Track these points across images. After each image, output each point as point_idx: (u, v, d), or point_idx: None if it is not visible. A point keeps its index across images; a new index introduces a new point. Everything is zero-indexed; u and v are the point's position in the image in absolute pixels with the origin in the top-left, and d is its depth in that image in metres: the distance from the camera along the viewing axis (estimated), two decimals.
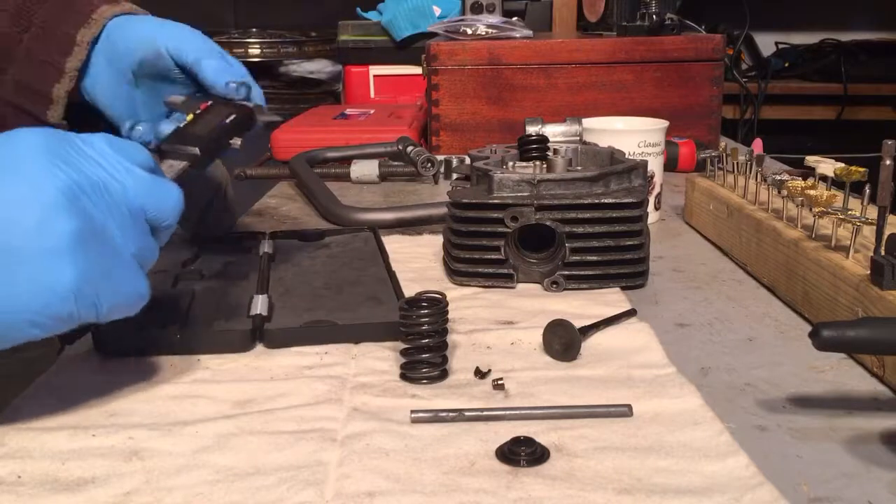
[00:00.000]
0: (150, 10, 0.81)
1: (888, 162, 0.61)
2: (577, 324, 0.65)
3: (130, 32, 0.78)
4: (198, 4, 2.82)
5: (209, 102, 0.75)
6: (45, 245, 0.48)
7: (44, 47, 0.78)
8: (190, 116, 0.73)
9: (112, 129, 0.80)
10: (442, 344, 0.61)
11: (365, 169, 1.26)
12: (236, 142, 0.73)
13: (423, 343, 0.60)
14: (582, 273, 0.78)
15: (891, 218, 0.67)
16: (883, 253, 0.61)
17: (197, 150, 0.68)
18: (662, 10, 1.41)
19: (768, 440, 0.53)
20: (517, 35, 1.44)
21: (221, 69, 0.76)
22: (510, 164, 0.84)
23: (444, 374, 0.61)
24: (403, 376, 0.61)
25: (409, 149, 1.20)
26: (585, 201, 0.77)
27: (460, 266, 0.80)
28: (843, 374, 0.62)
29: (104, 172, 0.52)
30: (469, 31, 1.45)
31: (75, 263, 0.49)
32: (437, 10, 1.87)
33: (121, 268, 0.52)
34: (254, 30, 2.55)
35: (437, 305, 0.61)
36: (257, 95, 0.79)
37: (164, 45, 0.76)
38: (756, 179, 0.87)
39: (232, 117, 0.73)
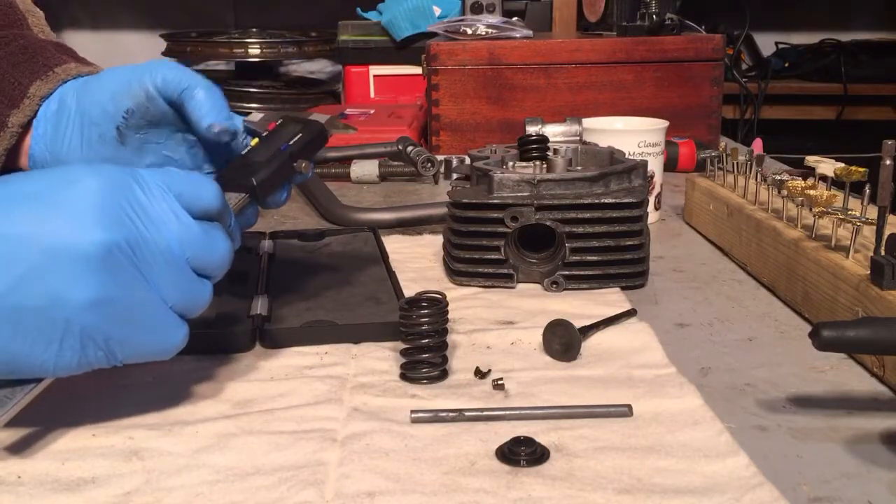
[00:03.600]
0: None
1: (888, 162, 0.61)
2: (577, 324, 0.65)
3: (106, 84, 0.67)
4: (198, 4, 2.82)
5: (278, 121, 0.67)
6: (58, 313, 0.47)
7: None
8: (255, 141, 0.65)
9: None
10: (442, 344, 0.61)
11: (365, 169, 1.26)
12: (301, 164, 0.64)
13: (423, 343, 0.60)
14: (582, 273, 0.78)
15: (891, 218, 0.67)
16: (883, 253, 0.61)
17: (253, 181, 0.61)
18: (662, 10, 1.41)
19: (768, 440, 0.53)
20: (517, 35, 1.44)
21: (208, 104, 0.64)
22: (510, 164, 0.84)
23: (444, 374, 0.61)
24: (403, 376, 0.61)
25: (409, 149, 1.20)
26: (585, 201, 0.77)
27: (460, 266, 0.80)
28: (843, 374, 0.62)
29: (152, 224, 0.51)
30: (469, 31, 1.45)
31: (88, 327, 0.48)
32: (437, 10, 1.87)
33: (149, 323, 0.51)
34: (254, 30, 2.55)
35: (437, 305, 0.61)
36: (240, 144, 0.68)
37: (151, 81, 0.65)
38: (756, 179, 0.87)
39: (296, 139, 0.65)
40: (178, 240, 0.52)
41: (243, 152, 0.65)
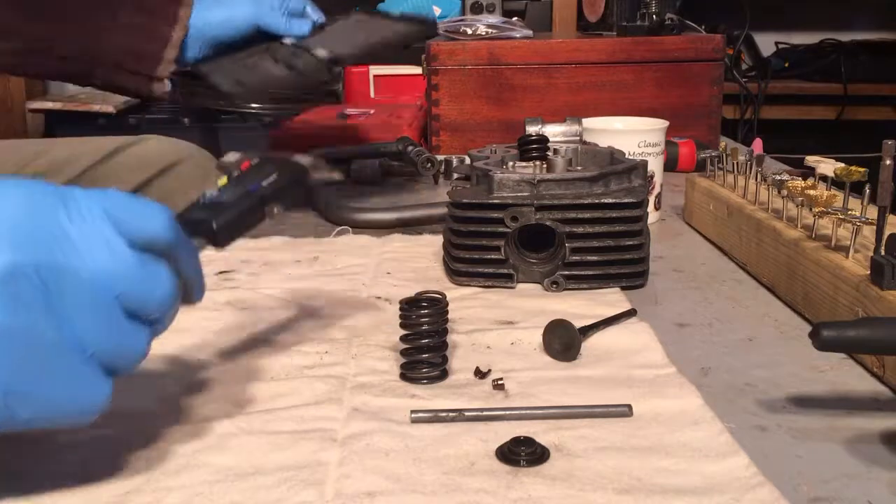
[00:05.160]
0: None
1: (888, 162, 0.61)
2: (577, 324, 0.65)
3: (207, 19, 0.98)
4: None
5: (255, 160, 0.59)
6: None
7: (148, 21, 0.95)
8: (223, 180, 0.57)
9: None
10: (442, 344, 0.61)
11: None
12: (272, 209, 0.56)
13: (423, 343, 0.60)
14: (582, 273, 0.78)
15: (891, 218, 0.67)
16: (883, 253, 0.61)
17: (213, 225, 0.53)
18: (662, 10, 1.41)
19: (768, 440, 0.53)
20: (517, 35, 1.44)
21: None
22: (510, 164, 0.84)
23: (444, 374, 0.61)
24: (403, 376, 0.61)
25: (409, 149, 1.20)
26: (585, 201, 0.77)
27: (460, 266, 0.80)
28: (843, 374, 0.62)
29: (74, 251, 0.42)
30: (469, 31, 1.45)
31: None
32: (437, 10, 1.87)
33: (59, 372, 0.42)
34: None
35: (437, 305, 0.61)
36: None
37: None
38: (756, 179, 0.87)
39: (270, 180, 0.57)
40: (105, 271, 0.43)
41: (207, 193, 0.56)
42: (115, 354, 0.44)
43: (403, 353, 0.61)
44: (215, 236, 0.53)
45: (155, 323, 0.46)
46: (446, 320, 0.61)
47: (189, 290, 0.49)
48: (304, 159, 0.60)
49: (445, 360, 0.62)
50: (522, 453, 0.49)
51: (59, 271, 0.42)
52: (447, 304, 0.61)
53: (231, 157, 0.61)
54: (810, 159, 0.77)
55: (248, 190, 0.56)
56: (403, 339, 0.61)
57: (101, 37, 0.95)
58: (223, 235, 0.54)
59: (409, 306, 0.61)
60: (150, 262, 0.45)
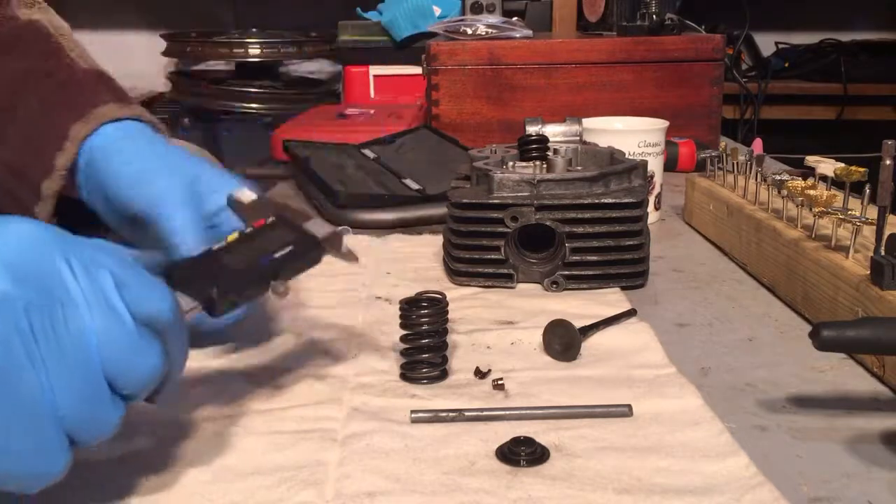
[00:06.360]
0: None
1: (888, 162, 0.61)
2: (577, 324, 0.65)
3: (111, 164, 0.65)
4: (198, 4, 2.82)
5: (270, 219, 0.54)
6: None
7: (37, 134, 0.67)
8: (233, 235, 0.53)
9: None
10: (442, 344, 0.61)
11: None
12: (279, 286, 0.51)
13: (423, 343, 0.60)
14: (582, 273, 0.78)
15: (891, 218, 0.67)
16: (883, 253, 0.61)
17: (213, 293, 0.48)
18: (662, 10, 1.41)
19: (768, 440, 0.53)
20: (517, 35, 1.44)
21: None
22: (510, 164, 0.84)
23: (444, 375, 0.61)
24: (403, 376, 0.61)
25: None
26: (585, 201, 0.77)
27: (460, 266, 0.80)
28: (843, 374, 0.62)
29: (71, 302, 0.39)
30: (469, 31, 1.45)
31: None
32: (437, 10, 1.87)
33: (24, 426, 0.37)
34: (254, 30, 2.55)
35: (437, 305, 0.61)
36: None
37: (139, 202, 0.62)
38: (756, 179, 0.87)
39: (283, 252, 0.52)
40: (98, 330, 0.39)
41: (214, 247, 0.51)
42: (84, 421, 0.40)
43: (403, 353, 0.61)
44: (213, 305, 0.48)
45: (128, 399, 0.42)
46: (446, 320, 0.61)
47: (164, 377, 0.43)
48: (321, 230, 0.55)
49: (445, 360, 0.62)
50: (522, 453, 0.49)
51: (51, 317, 0.38)
52: (447, 304, 0.61)
53: (246, 195, 0.55)
54: (810, 159, 0.77)
55: (259, 261, 0.51)
56: (403, 339, 0.61)
57: None
58: (221, 305, 0.49)
59: (409, 306, 0.61)
60: (146, 334, 0.41)
